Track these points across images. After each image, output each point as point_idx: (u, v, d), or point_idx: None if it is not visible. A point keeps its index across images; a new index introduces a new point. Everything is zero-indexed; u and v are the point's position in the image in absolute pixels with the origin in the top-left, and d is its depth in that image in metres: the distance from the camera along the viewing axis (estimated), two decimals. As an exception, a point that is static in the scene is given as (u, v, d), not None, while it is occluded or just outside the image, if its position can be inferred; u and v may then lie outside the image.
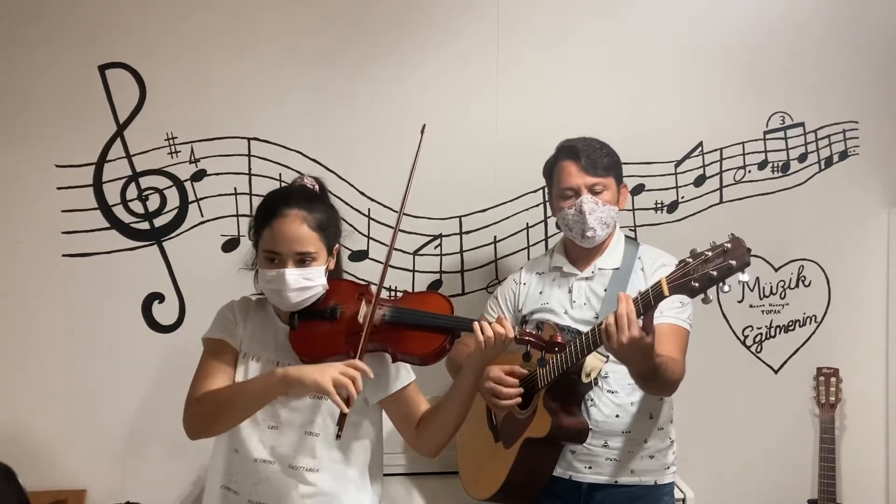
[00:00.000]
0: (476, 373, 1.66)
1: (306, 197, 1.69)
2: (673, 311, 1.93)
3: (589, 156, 1.99)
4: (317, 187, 1.78)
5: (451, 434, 1.70)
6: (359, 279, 1.95)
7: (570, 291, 2.05)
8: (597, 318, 1.97)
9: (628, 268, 2.03)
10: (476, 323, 1.62)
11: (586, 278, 2.05)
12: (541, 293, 2.10)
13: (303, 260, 1.63)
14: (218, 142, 2.51)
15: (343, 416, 1.55)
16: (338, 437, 1.57)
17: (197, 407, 1.65)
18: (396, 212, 2.56)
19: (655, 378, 1.78)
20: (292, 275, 1.62)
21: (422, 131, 1.75)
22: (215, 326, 1.74)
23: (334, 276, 1.76)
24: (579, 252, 2.08)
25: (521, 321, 2.08)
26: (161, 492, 2.49)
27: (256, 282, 1.74)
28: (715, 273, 1.54)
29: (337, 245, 1.75)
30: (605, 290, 2.01)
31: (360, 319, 1.66)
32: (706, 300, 1.57)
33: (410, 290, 2.60)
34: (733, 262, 1.52)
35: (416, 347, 1.65)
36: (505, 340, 1.60)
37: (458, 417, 1.68)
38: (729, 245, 1.54)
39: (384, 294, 1.73)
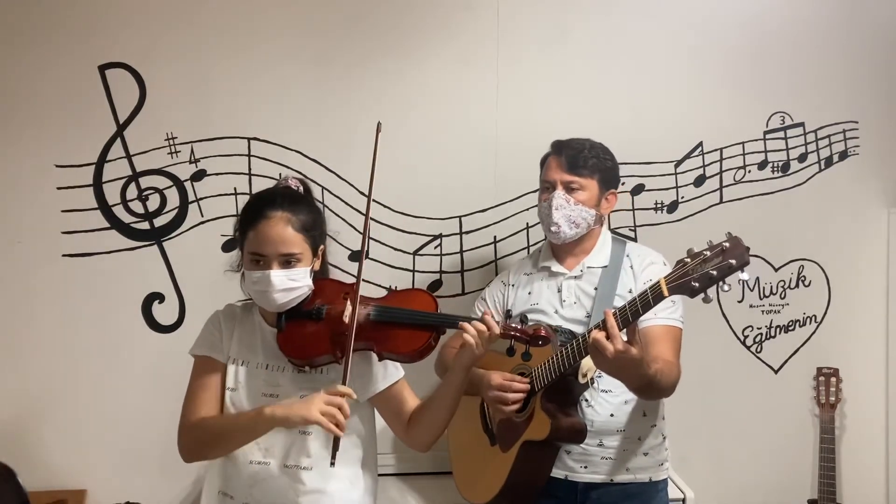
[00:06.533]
0: (465, 370, 1.67)
1: (290, 199, 1.69)
2: (666, 312, 1.93)
3: (571, 154, 2.01)
4: (301, 188, 1.78)
5: (442, 430, 1.72)
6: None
7: (559, 291, 2.05)
8: (589, 316, 1.98)
9: (617, 266, 2.03)
10: (462, 323, 1.62)
11: (575, 277, 2.05)
12: (529, 294, 2.10)
13: (288, 261, 1.64)
14: (218, 142, 2.51)
15: (337, 440, 1.54)
16: (332, 464, 1.55)
17: (190, 435, 1.68)
18: (396, 211, 2.59)
19: (651, 388, 1.79)
20: (277, 276, 1.63)
21: (377, 130, 1.74)
22: (200, 342, 1.76)
23: (320, 276, 1.76)
24: (566, 251, 2.09)
25: (506, 315, 2.08)
26: (161, 492, 2.49)
27: (243, 283, 1.74)
28: (715, 272, 1.54)
29: (322, 246, 1.75)
30: (596, 289, 2.01)
31: (346, 319, 1.66)
32: (706, 299, 1.57)
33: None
34: (733, 261, 1.52)
35: (401, 345, 1.65)
36: (490, 337, 1.61)
37: (447, 414, 1.70)
38: (727, 244, 1.54)
39: (371, 293, 1.74)
